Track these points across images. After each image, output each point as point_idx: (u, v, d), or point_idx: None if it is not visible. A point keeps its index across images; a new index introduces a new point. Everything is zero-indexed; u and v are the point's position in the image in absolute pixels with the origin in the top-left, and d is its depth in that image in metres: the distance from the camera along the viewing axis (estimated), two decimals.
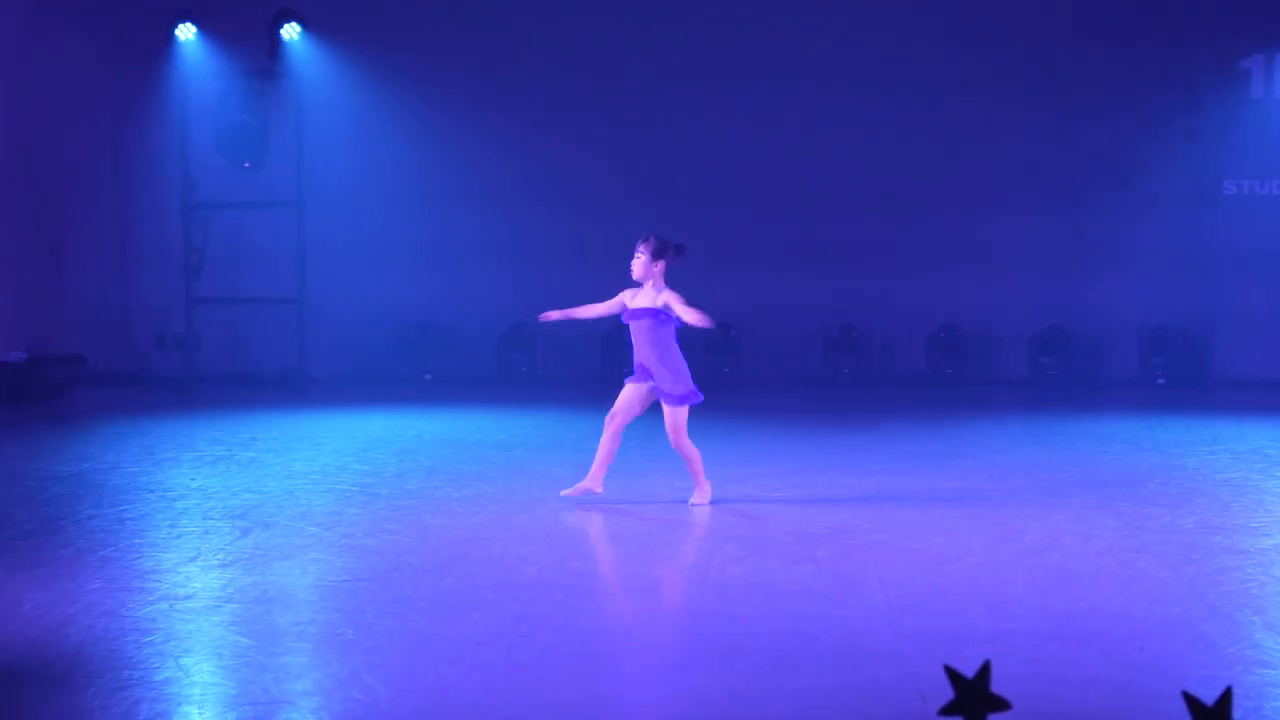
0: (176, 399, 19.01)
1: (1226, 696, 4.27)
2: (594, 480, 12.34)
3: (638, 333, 12.14)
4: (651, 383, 12.12)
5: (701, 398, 12.26)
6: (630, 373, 12.27)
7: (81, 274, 20.84)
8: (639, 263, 12.15)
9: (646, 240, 12.19)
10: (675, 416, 12.11)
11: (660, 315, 12.07)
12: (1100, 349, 20.74)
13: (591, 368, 20.43)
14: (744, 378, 20.12)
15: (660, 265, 12.12)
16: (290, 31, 19.66)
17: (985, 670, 4.38)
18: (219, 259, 20.41)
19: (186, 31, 19.67)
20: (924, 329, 20.54)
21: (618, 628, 8.78)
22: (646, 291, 12.17)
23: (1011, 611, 9.03)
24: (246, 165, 19.77)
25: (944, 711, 4.39)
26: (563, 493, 12.40)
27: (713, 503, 12.39)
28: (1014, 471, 14.04)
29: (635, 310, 12.17)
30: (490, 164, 20.64)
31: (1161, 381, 20.29)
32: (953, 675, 4.38)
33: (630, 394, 12.20)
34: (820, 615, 8.98)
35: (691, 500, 12.37)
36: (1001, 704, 4.36)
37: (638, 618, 8.97)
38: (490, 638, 8.49)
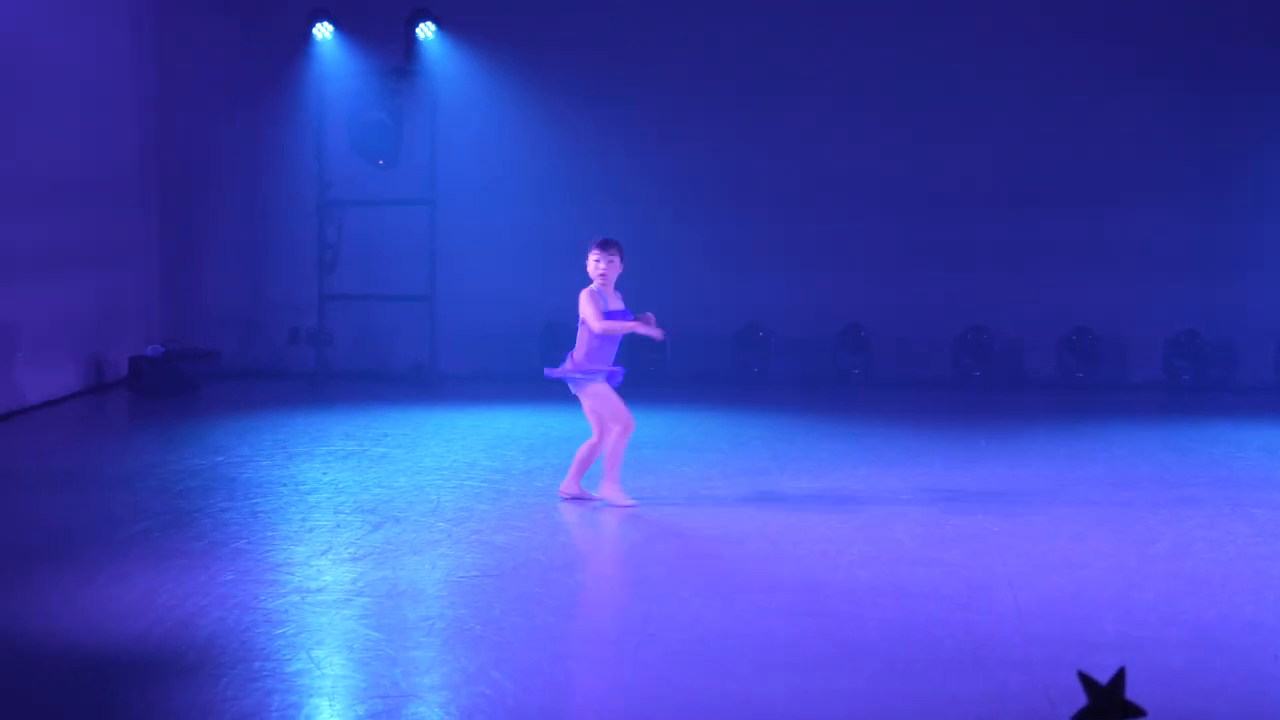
0: (309, 394, 19.18)
1: (1119, 676, 4.27)
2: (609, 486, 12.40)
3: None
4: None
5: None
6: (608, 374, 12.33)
7: (217, 270, 21.07)
8: (617, 266, 12.29)
9: (615, 244, 12.32)
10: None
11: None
12: (1236, 353, 20.43)
13: (720, 368, 20.39)
14: (874, 379, 20.02)
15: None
16: (425, 30, 19.78)
17: (1120, 676, 4.35)
18: (352, 255, 20.55)
19: (324, 30, 19.83)
20: (1055, 332, 20.33)
21: (745, 628, 8.76)
22: (614, 293, 12.37)
23: (1142, 618, 8.94)
24: (380, 163, 19.90)
25: (1078, 717, 4.36)
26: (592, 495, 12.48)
27: (839, 503, 12.33)
28: (1145, 476, 13.87)
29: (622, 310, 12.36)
30: (620, 164, 20.63)
31: None
32: (1087, 681, 4.35)
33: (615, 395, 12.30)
34: (949, 618, 8.93)
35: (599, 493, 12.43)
36: (1136, 710, 4.33)
37: (765, 619, 8.95)
38: (618, 636, 8.52)
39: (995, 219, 20.51)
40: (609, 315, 12.18)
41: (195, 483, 13.12)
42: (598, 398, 12.24)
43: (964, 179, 20.51)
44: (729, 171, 20.72)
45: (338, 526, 11.40)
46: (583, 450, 12.45)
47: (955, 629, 8.70)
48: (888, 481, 13.41)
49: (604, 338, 12.15)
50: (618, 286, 12.46)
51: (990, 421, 17.11)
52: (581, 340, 12.24)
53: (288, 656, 8.11)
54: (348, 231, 20.49)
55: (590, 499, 12.35)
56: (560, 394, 19.33)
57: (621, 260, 12.38)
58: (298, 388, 19.56)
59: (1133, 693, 4.46)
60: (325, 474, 13.58)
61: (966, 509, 12.19)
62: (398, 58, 19.82)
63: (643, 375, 20.39)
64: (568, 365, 12.32)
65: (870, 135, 20.49)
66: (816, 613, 9.11)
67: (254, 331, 21.25)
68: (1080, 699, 4.37)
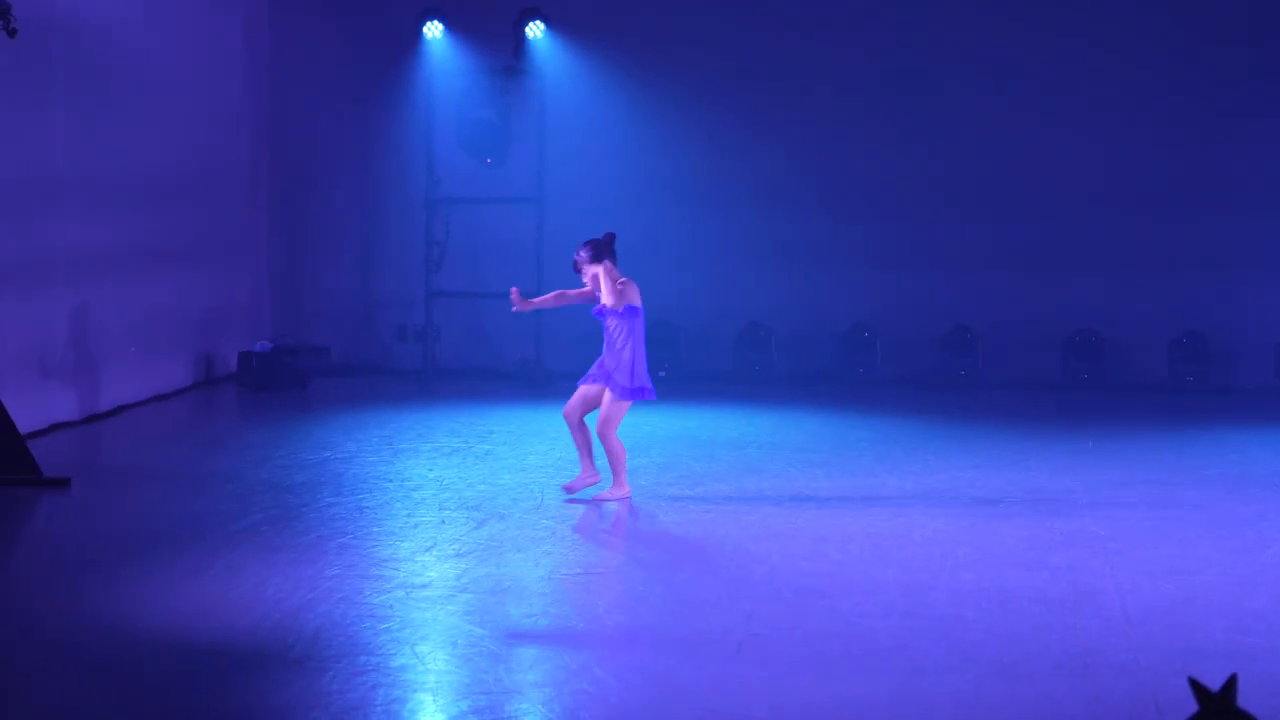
0: (416, 390, 19.29)
1: (1230, 684, 4.20)
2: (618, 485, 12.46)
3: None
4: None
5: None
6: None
7: (327, 266, 21.23)
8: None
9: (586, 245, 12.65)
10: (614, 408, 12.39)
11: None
12: None
13: (825, 367, 20.33)
14: (981, 380, 19.89)
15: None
16: (534, 29, 19.84)
17: (1231, 684, 4.29)
18: (460, 253, 20.64)
19: (434, 29, 19.94)
20: (1166, 334, 20.13)
21: (848, 629, 8.74)
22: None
23: (1252, 625, 8.84)
24: (489, 161, 19.97)
25: None
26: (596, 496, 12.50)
27: (943, 505, 12.27)
28: (1255, 482, 13.68)
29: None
30: (724, 165, 20.61)
31: None
32: (1198, 688, 4.30)
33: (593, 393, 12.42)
34: (1055, 623, 8.86)
35: (602, 495, 12.40)
36: (1248, 719, 4.27)
37: (868, 620, 8.92)
38: (720, 635, 8.51)
39: (1105, 221, 20.35)
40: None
41: (303, 478, 13.23)
42: None
43: (1069, 182, 20.36)
44: (839, 172, 20.65)
45: (442, 523, 11.46)
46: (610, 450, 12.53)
47: (1061, 634, 8.64)
48: (993, 483, 13.32)
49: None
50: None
51: (1095, 424, 16.96)
52: None
53: (392, 651, 8.16)
54: (455, 229, 20.59)
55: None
56: (664, 392, 19.37)
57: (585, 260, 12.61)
58: (405, 384, 19.69)
59: (1244, 701, 4.41)
60: (431, 470, 13.65)
61: (1073, 512, 12.09)
62: (507, 57, 19.89)
63: (749, 374, 20.38)
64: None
65: (977, 138, 20.37)
66: (920, 615, 9.06)
67: (362, 327, 21.39)
68: (1188, 707, 4.32)
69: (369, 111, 21.03)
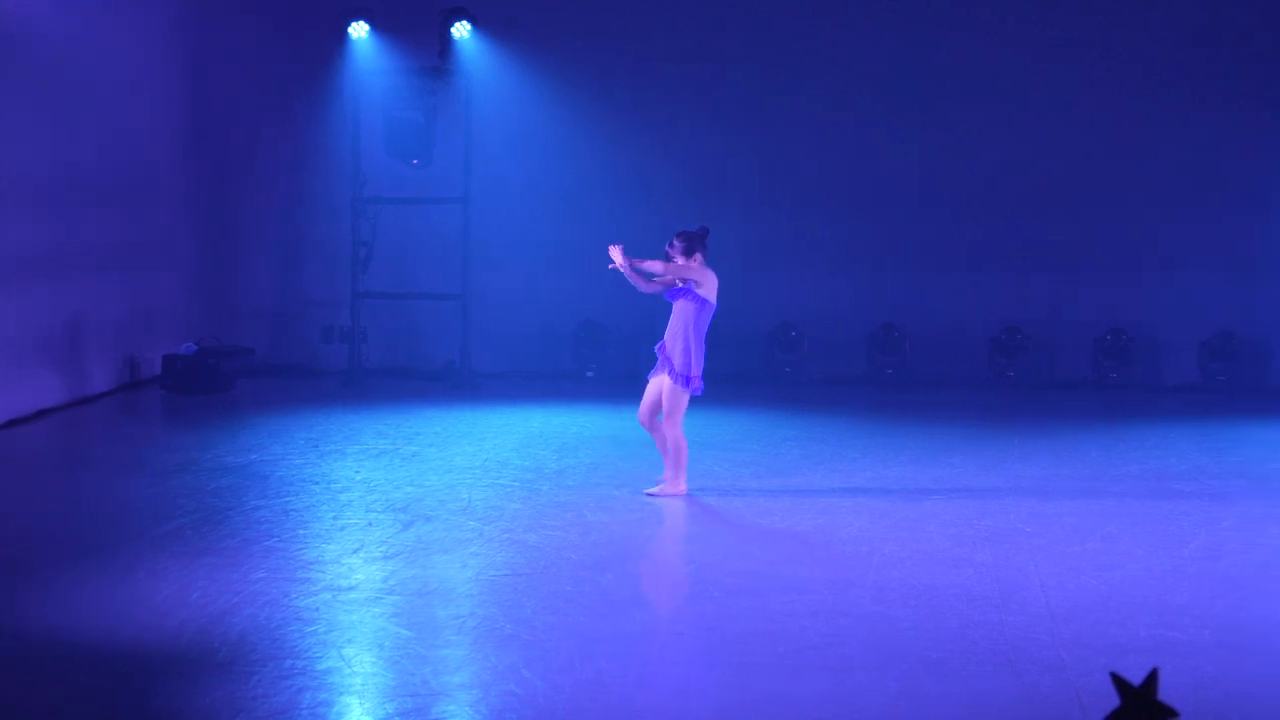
0: (342, 392, 19.22)
1: (1152, 678, 4.25)
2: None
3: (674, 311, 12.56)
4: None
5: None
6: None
7: (251, 267, 21.13)
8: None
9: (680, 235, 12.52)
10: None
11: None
12: (1271, 354, 20.34)
13: (753, 366, 20.37)
14: (909, 378, 19.96)
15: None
16: (461, 29, 19.78)
17: (1153, 679, 4.32)
18: (386, 254, 20.56)
19: (359, 29, 19.86)
20: (1090, 333, 20.27)
21: (775, 628, 8.75)
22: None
23: (1175, 620, 8.91)
24: (415, 162, 19.92)
25: (1110, 719, 4.34)
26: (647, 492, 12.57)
27: (870, 503, 12.32)
28: (1177, 478, 13.81)
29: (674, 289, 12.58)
30: (652, 164, 20.64)
31: None
32: (1120, 683, 4.32)
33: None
34: (981, 620, 8.91)
35: (655, 490, 12.53)
36: (1168, 712, 4.30)
37: (795, 619, 8.94)
38: (647, 635, 8.52)
39: (1034, 221, 20.46)
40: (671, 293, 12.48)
41: (228, 481, 13.15)
42: None
43: (1005, 183, 20.48)
44: (772, 168, 20.71)
45: (369, 525, 11.42)
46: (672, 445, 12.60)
47: (987, 630, 8.68)
48: (920, 481, 13.38)
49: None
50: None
51: (1022, 422, 17.06)
52: None
53: (319, 654, 8.13)
54: (382, 230, 20.51)
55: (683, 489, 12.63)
56: (593, 393, 19.40)
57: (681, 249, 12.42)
58: (331, 385, 19.61)
59: (1165, 695, 4.43)
60: (357, 472, 13.60)
61: (998, 510, 12.16)
62: (433, 57, 19.83)
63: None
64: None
65: (928, 140, 20.46)
66: (847, 613, 9.09)
67: (288, 329, 21.30)
68: (1111, 701, 4.34)
69: (294, 112, 20.93)
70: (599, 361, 20.66)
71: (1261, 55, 20.07)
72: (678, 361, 12.31)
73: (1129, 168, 20.39)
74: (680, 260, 12.38)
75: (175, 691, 7.58)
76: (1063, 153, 20.44)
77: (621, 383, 20.10)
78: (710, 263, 12.42)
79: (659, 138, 20.69)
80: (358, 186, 20.19)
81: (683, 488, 12.53)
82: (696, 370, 12.32)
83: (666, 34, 20.67)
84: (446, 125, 20.12)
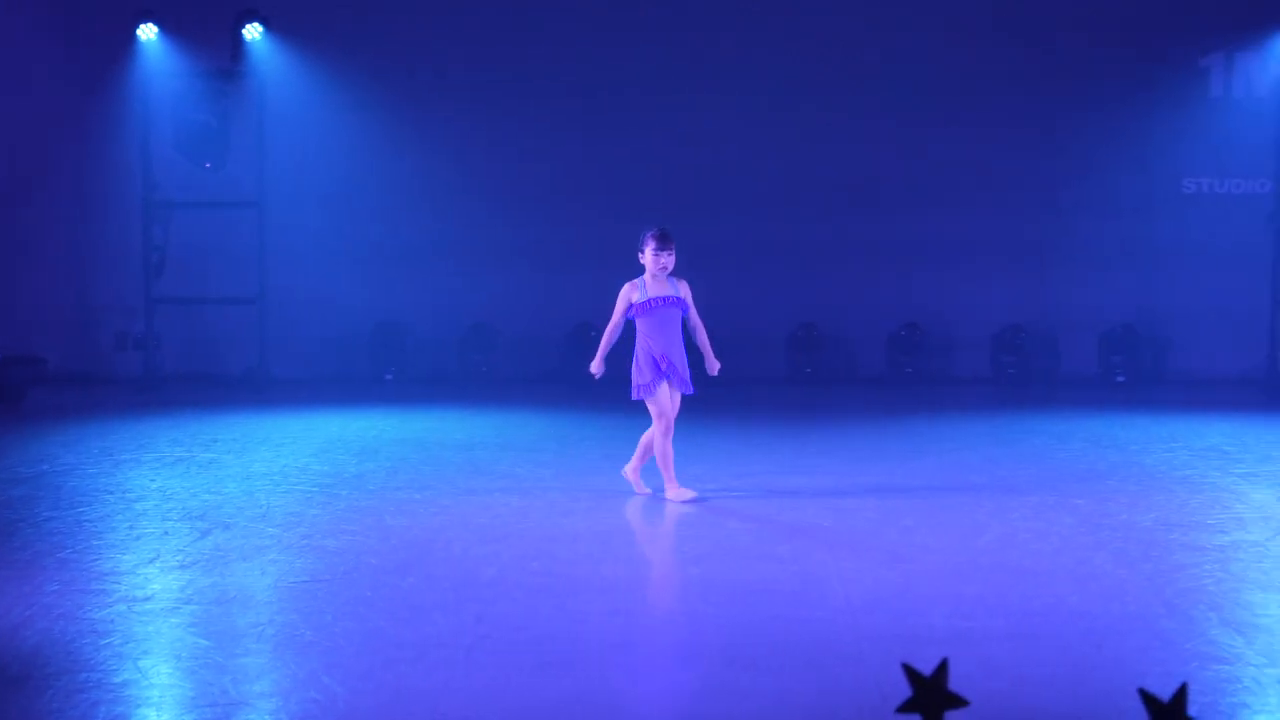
0: (137, 400, 18.94)
1: (1182, 692, 4.30)
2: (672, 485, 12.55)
3: (666, 323, 12.30)
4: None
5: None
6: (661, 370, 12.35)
7: (42, 273, 20.75)
8: (671, 258, 12.35)
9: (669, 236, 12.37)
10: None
11: (684, 304, 12.46)
12: (1059, 347, 20.80)
13: (552, 367, 20.43)
14: (709, 377, 20.10)
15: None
16: (252, 31, 19.59)
17: (943, 668, 4.39)
18: (180, 259, 20.31)
19: (148, 31, 19.59)
20: (885, 328, 20.58)
21: (577, 628, 8.77)
22: (664, 282, 12.34)
23: (969, 610, 9.06)
24: (207, 165, 19.71)
25: (902, 709, 4.41)
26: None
27: (672, 503, 12.40)
28: (972, 469, 14.08)
29: (674, 299, 12.39)
30: (450, 166, 20.62)
31: (1121, 379, 20.37)
32: (911, 673, 4.40)
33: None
34: (781, 615, 8.99)
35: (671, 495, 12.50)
36: (959, 701, 4.38)
37: (597, 618, 8.96)
38: (450, 638, 8.49)
39: (824, 218, 20.74)
40: (642, 306, 12.34)
41: (19, 491, 12.90)
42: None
43: (793, 179, 20.70)
44: (559, 171, 20.77)
45: (165, 534, 11.26)
46: (644, 438, 12.59)
47: (788, 624, 8.77)
48: (720, 477, 13.48)
49: (646, 332, 12.31)
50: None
51: (819, 417, 17.26)
52: None
53: (114, 667, 8.00)
54: (177, 234, 20.24)
55: (645, 491, 12.61)
56: (391, 397, 19.30)
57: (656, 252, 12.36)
58: (126, 393, 19.32)
59: (958, 684, 4.51)
60: (153, 481, 13.41)
61: (797, 504, 12.29)
62: (224, 59, 19.61)
63: (475, 375, 20.35)
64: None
65: (701, 137, 20.61)
66: (649, 611, 9.14)
67: (80, 336, 20.95)
68: (910, 692, 4.41)
69: (83, 115, 20.59)
70: (397, 364, 20.57)
71: (1053, 52, 20.51)
72: (686, 372, 12.41)
73: (922, 165, 20.72)
74: (685, 287, 12.44)
75: None
76: (858, 151, 20.72)
77: (420, 385, 20.06)
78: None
79: (449, 139, 20.64)
80: (149, 190, 19.90)
81: (646, 490, 12.70)
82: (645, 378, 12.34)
83: (464, 35, 20.63)
84: (240, 128, 19.92)
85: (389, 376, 20.59)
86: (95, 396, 19.08)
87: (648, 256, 12.34)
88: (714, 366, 12.77)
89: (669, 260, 12.33)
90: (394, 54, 20.54)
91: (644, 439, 12.61)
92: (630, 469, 12.77)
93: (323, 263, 20.75)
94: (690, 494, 12.43)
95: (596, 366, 12.56)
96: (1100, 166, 20.57)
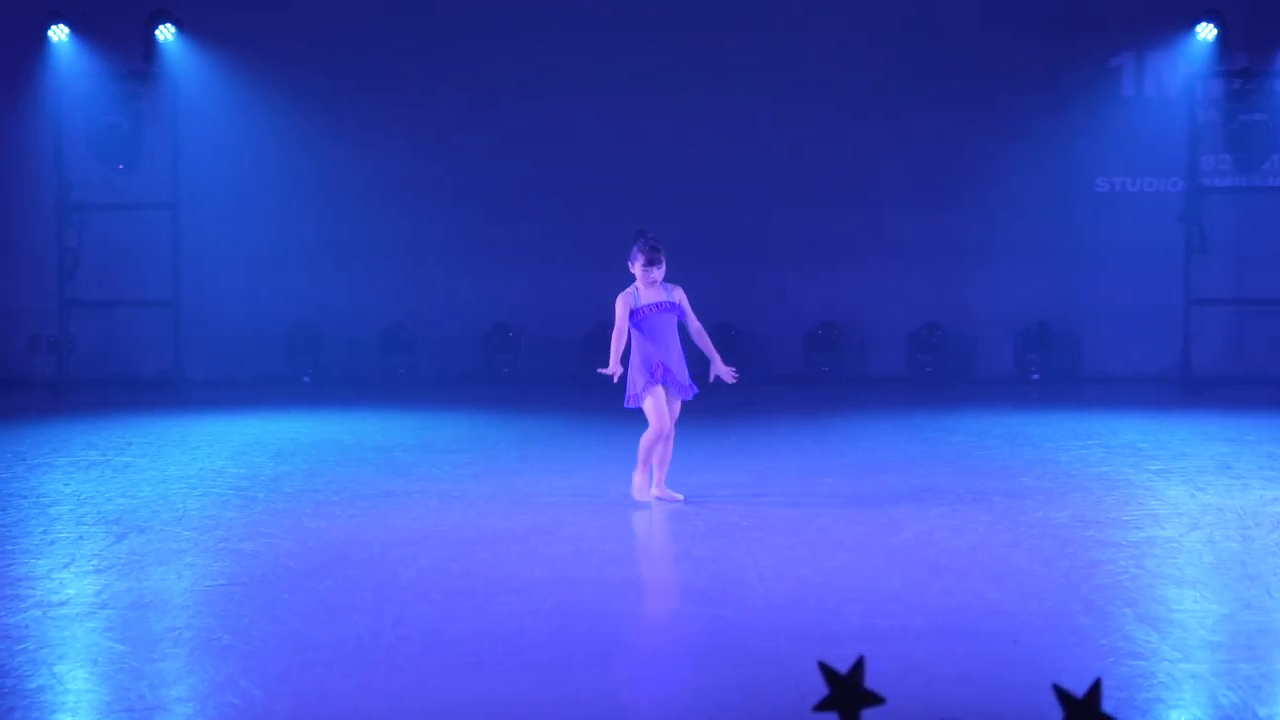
0: (50, 403, 18.79)
1: (1096, 688, 4.33)
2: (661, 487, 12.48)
3: (661, 329, 12.27)
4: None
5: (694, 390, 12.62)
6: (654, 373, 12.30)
7: None
8: (661, 271, 12.32)
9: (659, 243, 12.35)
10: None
11: (679, 309, 12.44)
12: (976, 346, 20.93)
13: (469, 367, 20.40)
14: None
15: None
16: (165, 32, 19.46)
17: (859, 666, 4.42)
18: (94, 261, 20.15)
19: (59, 32, 19.43)
20: (801, 327, 20.64)
21: (497, 629, 8.76)
22: (657, 289, 12.29)
23: (887, 608, 9.11)
24: (120, 167, 19.57)
25: (819, 708, 4.43)
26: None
27: (589, 502, 12.41)
28: (889, 468, 14.15)
29: (668, 304, 12.34)
30: (367, 166, 20.55)
31: (1036, 377, 20.51)
32: (827, 671, 4.42)
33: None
34: (701, 614, 9.02)
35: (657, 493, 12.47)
36: (875, 699, 4.40)
37: (516, 619, 8.95)
38: (368, 640, 8.47)
39: (741, 216, 20.77)
40: (636, 314, 12.24)
41: None
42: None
43: (713, 178, 20.74)
44: (478, 170, 20.74)
45: (81, 538, 11.17)
46: (642, 446, 12.43)
47: (706, 624, 8.79)
48: (635, 479, 13.47)
49: (642, 339, 12.23)
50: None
51: (735, 417, 17.30)
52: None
53: (29, 672, 7.93)
54: (89, 236, 20.06)
55: (678, 499, 12.41)
56: (309, 399, 19.22)
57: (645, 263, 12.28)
58: (38, 397, 19.16)
59: (875, 682, 4.54)
60: (68, 485, 13.30)
61: (715, 504, 12.32)
62: (136, 60, 19.47)
63: (393, 378, 20.29)
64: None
65: (630, 137, 20.64)
66: (568, 611, 9.13)
67: None
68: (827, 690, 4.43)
69: None
70: (314, 366, 20.48)
71: (966, 52, 20.63)
72: (685, 377, 12.39)
73: (837, 165, 20.80)
74: (679, 292, 12.39)
75: None
76: (774, 151, 20.78)
77: (338, 387, 19.98)
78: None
79: (363, 140, 20.58)
80: (62, 192, 19.73)
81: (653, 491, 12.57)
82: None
83: (375, 35, 20.56)
84: (154, 130, 19.78)
85: (306, 378, 20.50)
86: (8, 400, 18.91)
87: (637, 270, 12.29)
88: (725, 371, 12.67)
89: (658, 274, 12.29)
90: (308, 55, 20.45)
91: (642, 446, 12.46)
92: (656, 485, 12.46)
93: (238, 264, 20.64)
94: (678, 497, 12.41)
95: (613, 368, 12.40)
96: (1015, 165, 20.71)
